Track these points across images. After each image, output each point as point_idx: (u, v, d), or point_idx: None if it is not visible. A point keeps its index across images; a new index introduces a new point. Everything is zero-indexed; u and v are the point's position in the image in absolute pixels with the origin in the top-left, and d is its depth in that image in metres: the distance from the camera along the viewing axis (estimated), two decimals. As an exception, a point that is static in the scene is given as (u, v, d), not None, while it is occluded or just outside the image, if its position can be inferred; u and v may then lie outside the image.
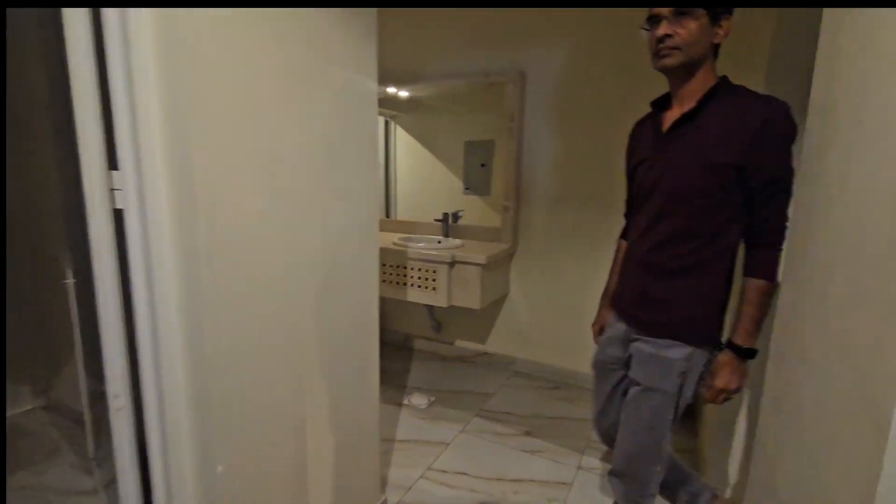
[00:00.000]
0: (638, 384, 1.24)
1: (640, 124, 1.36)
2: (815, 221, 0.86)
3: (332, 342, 1.40)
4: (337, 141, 1.32)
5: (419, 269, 2.66)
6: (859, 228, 0.67)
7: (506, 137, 2.83)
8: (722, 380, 1.14)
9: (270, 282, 1.15)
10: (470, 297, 2.62)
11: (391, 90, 3.07)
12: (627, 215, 1.46)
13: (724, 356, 1.15)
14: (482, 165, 3.18)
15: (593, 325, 1.56)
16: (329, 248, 1.34)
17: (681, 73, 1.14)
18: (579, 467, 2.08)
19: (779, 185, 1.07)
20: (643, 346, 1.23)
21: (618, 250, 1.56)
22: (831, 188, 0.79)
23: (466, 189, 3.23)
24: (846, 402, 0.64)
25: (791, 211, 1.08)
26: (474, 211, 3.15)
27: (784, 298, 0.99)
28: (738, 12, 1.19)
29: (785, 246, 1.09)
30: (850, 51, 0.79)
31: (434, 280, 2.62)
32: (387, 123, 3.35)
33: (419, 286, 2.68)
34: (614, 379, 1.37)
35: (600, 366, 1.41)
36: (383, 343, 3.40)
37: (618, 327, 1.33)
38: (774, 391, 0.98)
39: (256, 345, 1.13)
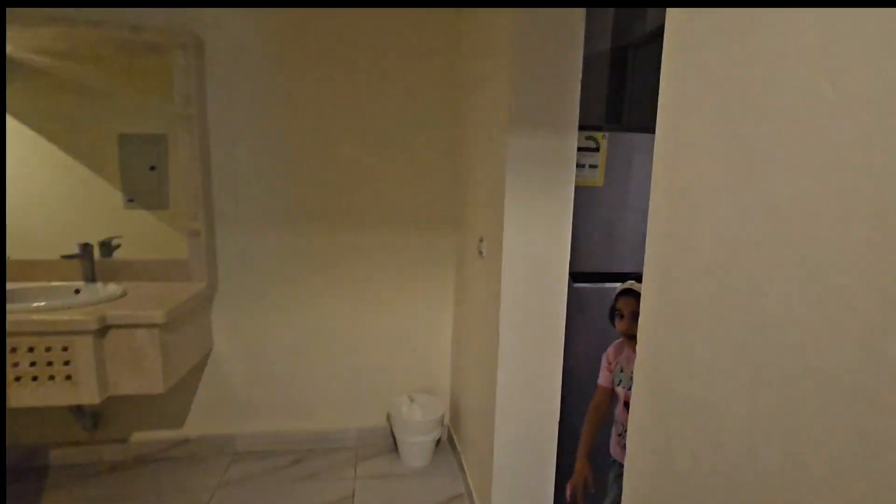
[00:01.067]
0: None
1: None
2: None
3: None
4: None
5: (35, 350, 1.52)
6: None
7: (183, 130, 1.95)
8: None
9: None
10: (145, 379, 1.66)
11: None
12: None
13: None
14: (152, 168, 2.17)
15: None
16: None
17: None
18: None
19: None
20: None
21: None
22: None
23: (129, 201, 2.15)
24: None
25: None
26: (147, 235, 2.12)
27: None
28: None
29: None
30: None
31: (67, 364, 1.54)
32: (-57, 94, 1.90)
33: (35, 378, 1.54)
34: None
35: None
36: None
37: None
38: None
39: None
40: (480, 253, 1.78)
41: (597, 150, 1.65)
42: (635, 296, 1.30)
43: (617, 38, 2.37)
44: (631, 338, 1.31)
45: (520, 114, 1.45)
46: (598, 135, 1.65)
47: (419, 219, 2.19)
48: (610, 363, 1.47)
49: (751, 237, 0.52)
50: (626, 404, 1.36)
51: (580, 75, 1.49)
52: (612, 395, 1.46)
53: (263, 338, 2.17)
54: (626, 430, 1.34)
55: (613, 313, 1.41)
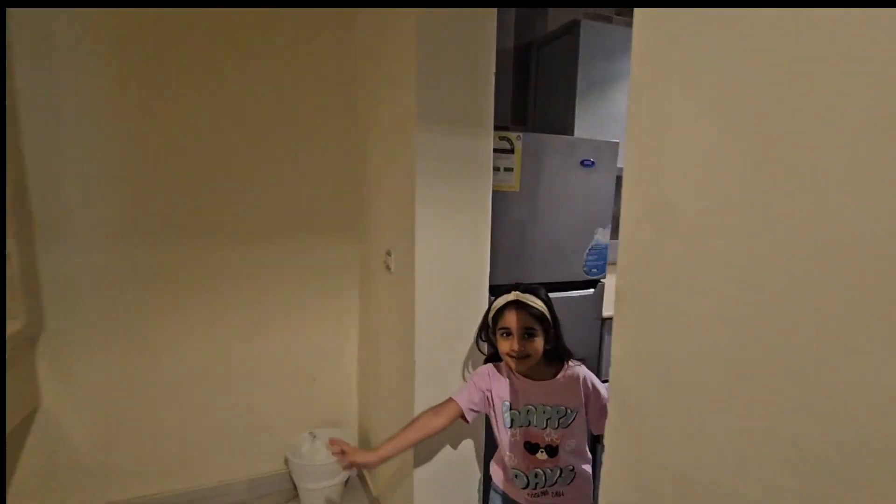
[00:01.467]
0: None
1: None
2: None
3: None
4: None
5: None
6: None
7: (-21, 117, 1.44)
8: None
9: None
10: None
11: None
12: None
13: None
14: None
15: None
16: None
17: None
18: None
19: None
20: None
21: None
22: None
23: None
24: None
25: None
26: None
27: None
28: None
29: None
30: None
31: None
32: None
33: None
34: None
35: None
36: None
37: None
38: None
39: None
40: (388, 268, 1.56)
41: (511, 151, 1.52)
42: (526, 309, 1.12)
43: (519, 36, 2.30)
44: (522, 359, 1.12)
45: (428, 109, 1.26)
46: (512, 135, 1.52)
47: (316, 229, 1.90)
48: (486, 391, 1.21)
49: (790, 276, 0.37)
50: (527, 445, 1.16)
51: (493, 68, 1.34)
52: (461, 416, 1.22)
53: (116, 384, 1.71)
54: (532, 477, 1.15)
55: (490, 330, 1.19)
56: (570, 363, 1.18)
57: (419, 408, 1.40)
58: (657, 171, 0.49)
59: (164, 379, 1.76)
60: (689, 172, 0.45)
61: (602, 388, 1.17)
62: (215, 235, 1.76)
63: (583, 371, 1.17)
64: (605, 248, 1.74)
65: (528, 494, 1.18)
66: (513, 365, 1.17)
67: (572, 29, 1.98)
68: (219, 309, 1.80)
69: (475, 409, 1.23)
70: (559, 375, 1.17)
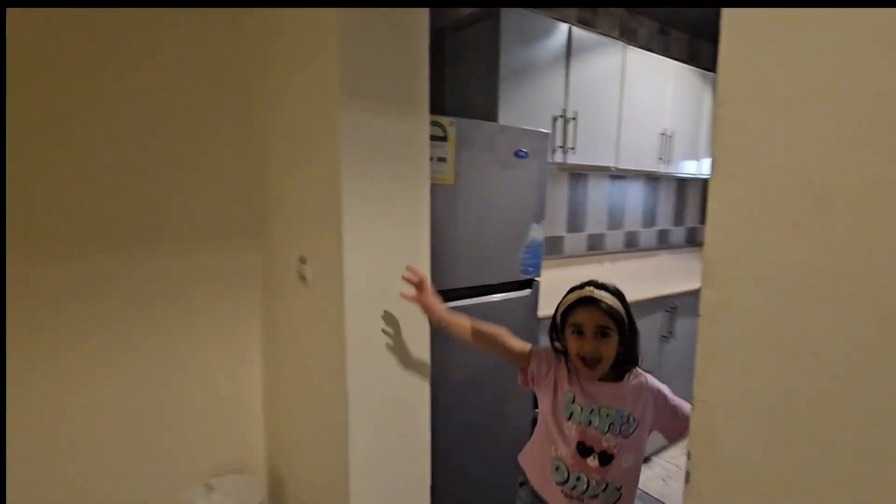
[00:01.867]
0: None
1: None
2: None
3: None
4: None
5: None
6: None
7: None
8: None
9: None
10: None
11: None
12: None
13: None
14: None
15: None
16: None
17: None
18: None
19: None
20: None
21: None
22: None
23: None
24: None
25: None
26: None
27: None
28: None
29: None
30: None
31: None
32: None
33: None
34: None
35: None
36: None
37: None
38: None
39: None
40: (303, 278, 1.29)
41: (444, 139, 1.35)
42: (600, 305, 1.00)
43: (432, 20, 2.13)
44: (594, 362, 1.00)
45: (354, 82, 1.03)
46: (445, 120, 1.35)
47: (205, 236, 1.53)
48: (552, 369, 1.08)
49: None
50: (581, 446, 1.04)
51: (427, 40, 1.16)
52: (525, 370, 1.10)
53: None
54: (574, 478, 1.03)
55: (560, 329, 1.06)
56: (636, 369, 1.07)
57: (355, 446, 1.16)
58: (782, 144, 0.34)
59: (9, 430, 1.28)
60: (848, 139, 0.31)
61: (667, 390, 1.07)
62: (78, 242, 1.32)
63: (650, 379, 1.07)
64: (541, 245, 1.65)
65: (561, 493, 1.05)
66: (583, 371, 1.03)
67: (491, 13, 1.87)
68: (80, 340, 1.36)
69: (535, 373, 1.10)
70: (626, 379, 1.05)
